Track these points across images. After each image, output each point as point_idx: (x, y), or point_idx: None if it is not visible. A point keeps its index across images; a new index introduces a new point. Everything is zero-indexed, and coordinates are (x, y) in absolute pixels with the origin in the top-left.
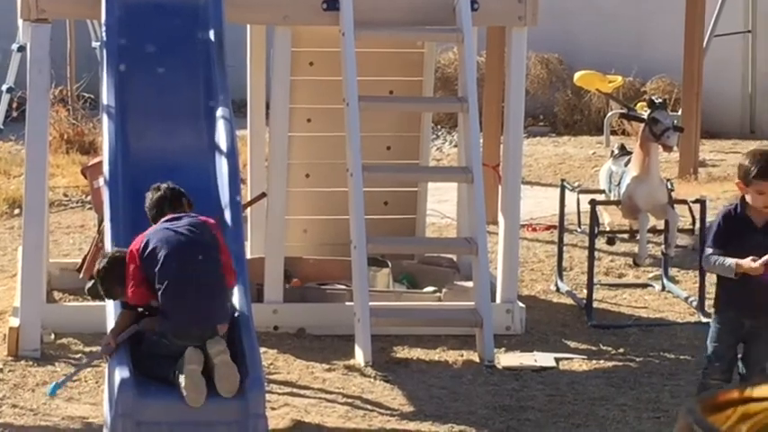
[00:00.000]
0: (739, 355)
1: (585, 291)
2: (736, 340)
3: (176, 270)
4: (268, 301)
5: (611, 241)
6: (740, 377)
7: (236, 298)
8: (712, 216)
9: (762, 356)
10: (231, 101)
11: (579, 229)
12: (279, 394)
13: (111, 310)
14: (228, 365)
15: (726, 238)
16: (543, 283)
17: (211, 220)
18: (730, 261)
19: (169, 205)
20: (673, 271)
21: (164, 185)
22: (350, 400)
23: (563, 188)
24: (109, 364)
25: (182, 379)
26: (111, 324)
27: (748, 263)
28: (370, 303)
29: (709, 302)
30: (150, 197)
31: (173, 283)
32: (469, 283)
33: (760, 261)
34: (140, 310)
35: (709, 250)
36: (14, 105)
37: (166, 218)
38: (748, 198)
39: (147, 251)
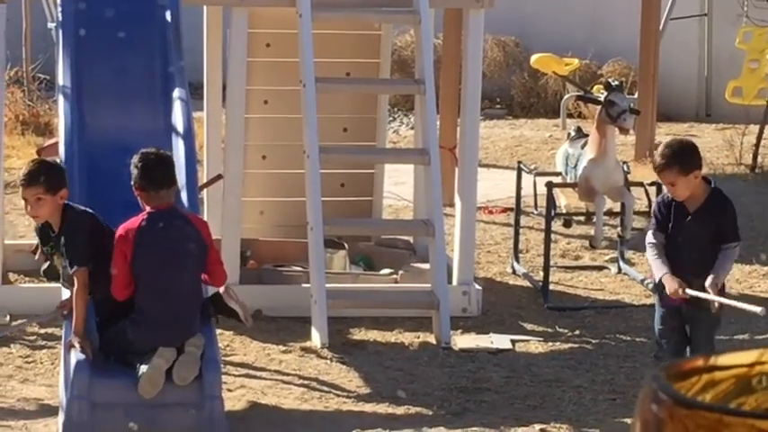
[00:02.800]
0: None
1: (542, 273)
2: (679, 323)
3: (160, 282)
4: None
5: (567, 223)
6: None
7: None
8: None
9: (701, 343)
10: (188, 83)
11: (535, 212)
12: (235, 376)
13: (66, 293)
14: (195, 359)
15: (665, 223)
16: (500, 265)
17: (203, 219)
18: (659, 273)
19: (147, 175)
20: (628, 253)
21: (161, 153)
22: (306, 382)
23: (519, 171)
24: (64, 346)
25: (143, 368)
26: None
27: (671, 285)
28: (327, 285)
29: None
30: (143, 160)
31: (153, 294)
32: (426, 265)
33: (681, 291)
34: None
35: (650, 232)
36: None
37: (161, 209)
38: None
39: (139, 247)
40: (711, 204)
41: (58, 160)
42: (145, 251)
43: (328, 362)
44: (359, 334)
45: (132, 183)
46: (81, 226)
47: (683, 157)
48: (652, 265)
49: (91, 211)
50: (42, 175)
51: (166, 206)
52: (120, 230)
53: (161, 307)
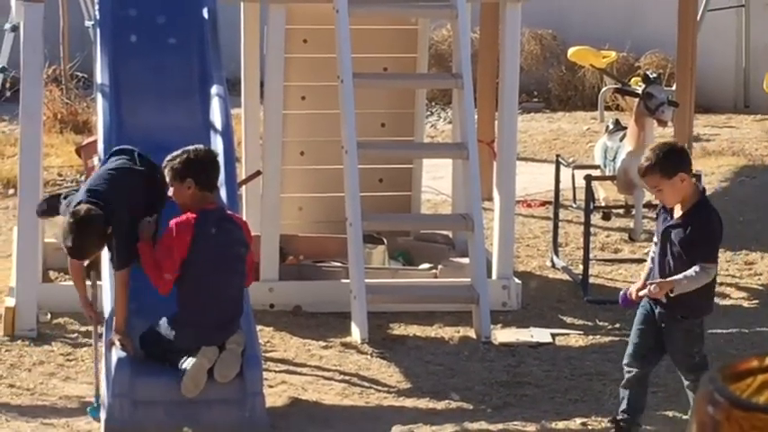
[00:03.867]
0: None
1: (581, 266)
2: (648, 327)
3: (210, 285)
4: (264, 279)
5: (606, 216)
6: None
7: None
8: (708, 191)
9: (682, 356)
10: (225, 79)
11: (574, 205)
12: (276, 372)
13: (107, 291)
14: (236, 357)
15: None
16: (539, 258)
17: (244, 220)
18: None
19: (208, 174)
20: None
21: (215, 153)
22: (347, 378)
23: (558, 164)
24: (105, 344)
25: (187, 364)
26: (107, 305)
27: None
28: (366, 280)
29: None
30: (200, 158)
31: (202, 297)
32: (465, 260)
33: (637, 289)
34: None
35: (653, 244)
36: (7, 85)
37: (209, 210)
38: None
39: (192, 248)
40: (693, 215)
41: (96, 159)
42: (197, 254)
43: (368, 357)
44: (399, 329)
45: (180, 175)
46: (120, 231)
47: (666, 159)
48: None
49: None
50: (93, 248)
51: (214, 207)
52: (171, 227)
53: (209, 310)
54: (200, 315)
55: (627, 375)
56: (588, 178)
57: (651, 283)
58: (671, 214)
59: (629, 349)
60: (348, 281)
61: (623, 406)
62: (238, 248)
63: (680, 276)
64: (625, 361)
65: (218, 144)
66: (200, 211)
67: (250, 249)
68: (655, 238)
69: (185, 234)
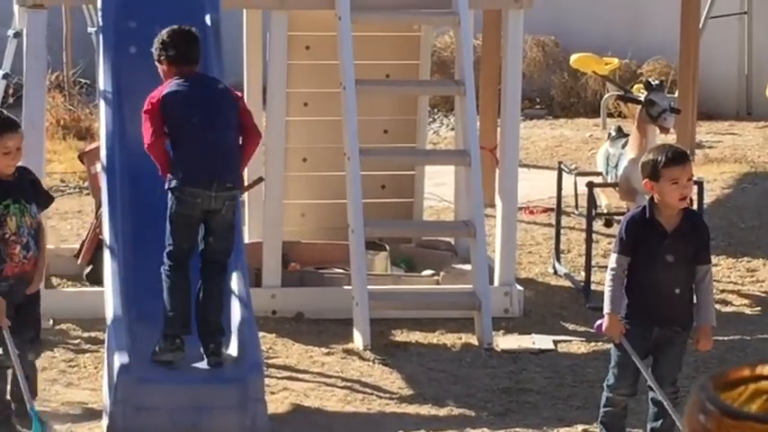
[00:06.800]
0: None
1: (583, 273)
2: (642, 350)
3: (194, 125)
4: (266, 285)
5: (608, 223)
6: (650, 389)
7: (234, 283)
8: (710, 198)
9: (673, 368)
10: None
11: (576, 212)
12: (278, 378)
13: (109, 297)
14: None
15: (632, 246)
16: (541, 265)
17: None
18: (607, 307)
19: (188, 49)
20: None
21: (193, 30)
22: (349, 384)
23: (560, 171)
24: (107, 350)
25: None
26: (109, 311)
27: (612, 328)
28: (369, 287)
29: None
30: (175, 36)
31: (188, 137)
32: (467, 267)
33: (617, 338)
34: None
35: (614, 256)
36: (10, 92)
37: (188, 74)
38: (659, 197)
39: (168, 105)
40: (690, 224)
41: (99, 165)
42: (180, 112)
43: (370, 364)
44: (401, 335)
45: (158, 57)
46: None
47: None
48: (605, 294)
49: None
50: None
51: (192, 72)
52: (146, 105)
53: (195, 151)
54: (184, 154)
55: (623, 404)
56: (590, 185)
57: (699, 340)
58: (662, 227)
59: (628, 378)
60: (350, 287)
61: None
62: (223, 101)
63: (710, 306)
64: (624, 390)
65: None
66: (176, 79)
67: (240, 114)
68: (614, 263)
69: (155, 98)
